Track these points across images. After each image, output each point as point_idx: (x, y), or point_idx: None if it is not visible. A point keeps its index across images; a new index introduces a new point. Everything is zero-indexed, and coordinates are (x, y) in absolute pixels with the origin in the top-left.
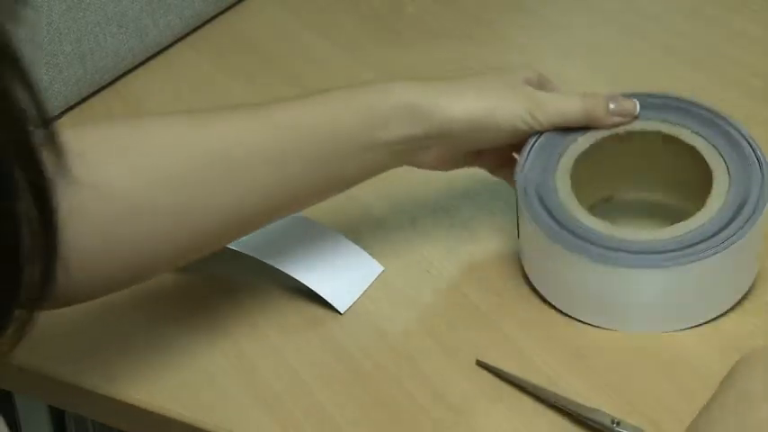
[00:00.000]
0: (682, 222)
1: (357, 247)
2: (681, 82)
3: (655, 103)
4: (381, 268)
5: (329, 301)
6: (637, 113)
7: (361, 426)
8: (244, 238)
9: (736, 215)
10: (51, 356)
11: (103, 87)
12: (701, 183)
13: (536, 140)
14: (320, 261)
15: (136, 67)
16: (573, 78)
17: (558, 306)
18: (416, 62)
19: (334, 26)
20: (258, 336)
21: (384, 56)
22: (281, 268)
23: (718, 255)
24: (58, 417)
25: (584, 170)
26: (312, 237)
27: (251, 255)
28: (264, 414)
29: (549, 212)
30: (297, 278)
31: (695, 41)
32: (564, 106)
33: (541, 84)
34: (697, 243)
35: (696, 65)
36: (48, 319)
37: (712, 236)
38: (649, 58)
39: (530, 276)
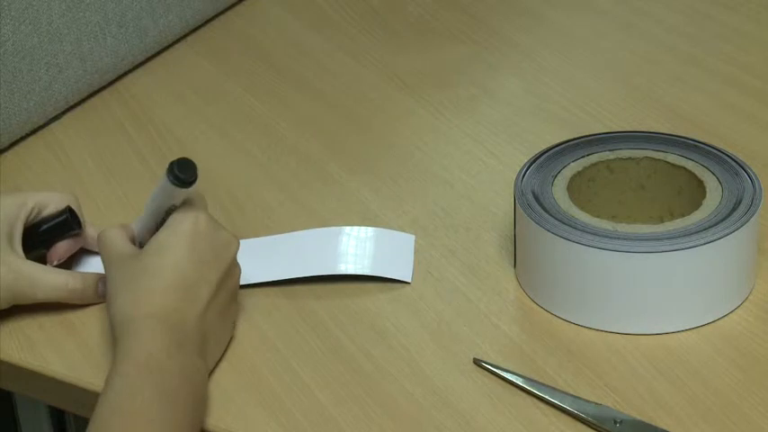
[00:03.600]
0: (679, 219)
1: (383, 228)
2: (681, 81)
3: (637, 136)
4: (413, 236)
5: (395, 277)
6: None
7: (361, 426)
8: (282, 266)
9: (732, 212)
10: (51, 356)
11: (103, 87)
12: (694, 199)
13: (532, 162)
14: (363, 252)
15: (136, 67)
16: (573, 78)
17: (555, 312)
18: (416, 62)
19: (335, 26)
20: (258, 336)
21: (384, 56)
22: (333, 273)
23: (717, 242)
24: (58, 417)
25: (578, 192)
26: (341, 237)
27: (300, 276)
28: (264, 414)
29: (546, 209)
30: (354, 273)
31: (695, 41)
32: (49, 282)
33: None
34: (696, 233)
35: (696, 64)
36: (48, 320)
37: (710, 227)
38: (650, 57)
39: (525, 289)
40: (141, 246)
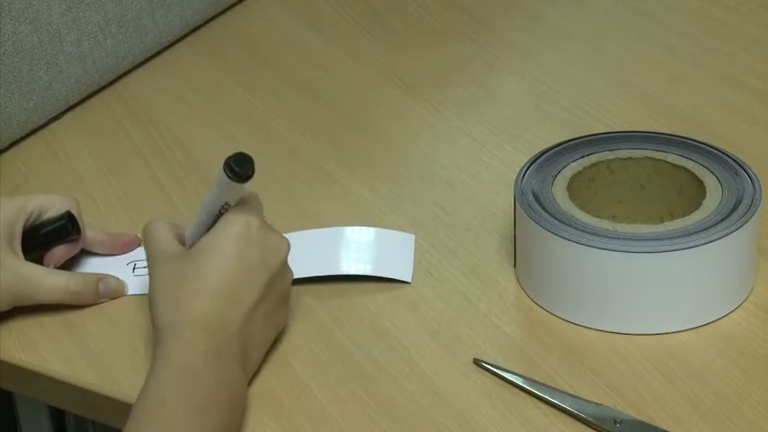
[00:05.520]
0: (679, 219)
1: (383, 228)
2: (681, 81)
3: (637, 136)
4: (413, 236)
5: (395, 277)
6: (125, 292)
7: (361, 426)
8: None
9: (732, 212)
10: (51, 356)
11: (103, 87)
12: (694, 200)
13: (531, 162)
14: (363, 252)
15: (136, 67)
16: (573, 78)
17: (555, 312)
18: (416, 62)
19: (334, 26)
20: None
21: (384, 56)
22: (334, 273)
23: (717, 242)
24: (58, 417)
25: (578, 192)
26: (342, 237)
27: (301, 276)
28: (264, 414)
29: (546, 209)
30: (356, 273)
31: (695, 41)
32: (49, 284)
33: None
34: (696, 233)
35: (696, 64)
36: (48, 320)
37: (710, 227)
38: (650, 58)
39: (525, 289)
40: (192, 245)
